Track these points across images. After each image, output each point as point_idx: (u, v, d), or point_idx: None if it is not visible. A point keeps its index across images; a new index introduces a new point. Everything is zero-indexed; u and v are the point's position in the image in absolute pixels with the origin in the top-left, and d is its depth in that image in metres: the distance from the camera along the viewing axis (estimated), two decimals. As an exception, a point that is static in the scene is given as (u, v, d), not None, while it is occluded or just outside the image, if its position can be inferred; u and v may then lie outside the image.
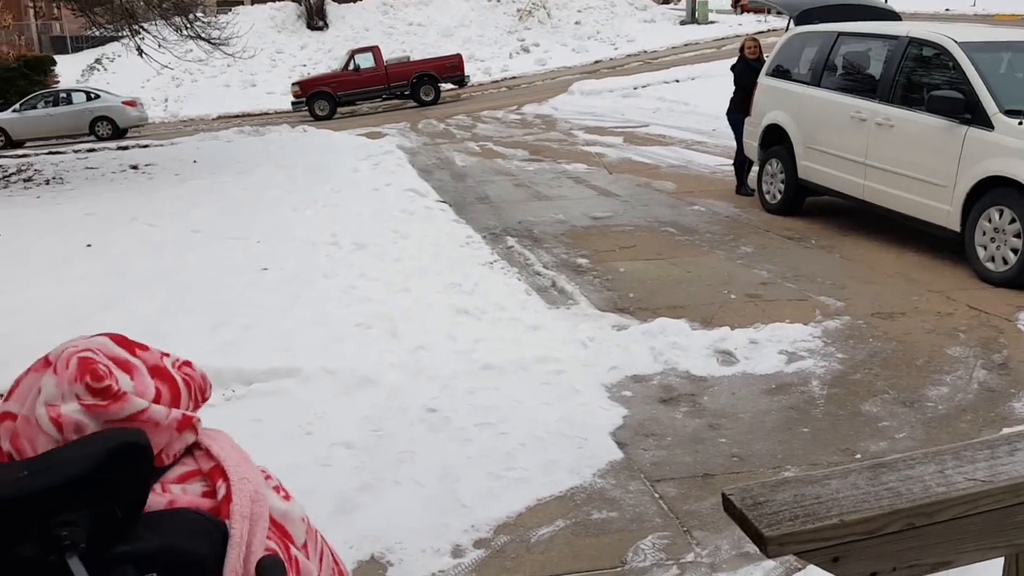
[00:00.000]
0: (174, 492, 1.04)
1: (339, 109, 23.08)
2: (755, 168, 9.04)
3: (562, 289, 6.17)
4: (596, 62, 29.21)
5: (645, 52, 29.35)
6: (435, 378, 4.49)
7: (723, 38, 29.25)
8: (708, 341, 4.90)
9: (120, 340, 1.10)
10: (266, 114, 26.39)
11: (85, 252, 7.53)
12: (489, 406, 4.15)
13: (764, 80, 8.75)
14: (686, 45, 29.48)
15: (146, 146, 17.34)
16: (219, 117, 26.81)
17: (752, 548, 2.92)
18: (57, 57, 31.04)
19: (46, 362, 1.03)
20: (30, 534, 0.88)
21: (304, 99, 22.86)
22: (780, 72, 8.59)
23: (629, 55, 29.54)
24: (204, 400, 1.19)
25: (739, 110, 9.27)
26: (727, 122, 9.73)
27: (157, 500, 1.01)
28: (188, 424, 1.09)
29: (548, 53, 31.12)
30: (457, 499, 3.36)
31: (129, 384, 1.03)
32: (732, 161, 9.69)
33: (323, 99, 22.81)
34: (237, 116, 26.57)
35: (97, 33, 21.81)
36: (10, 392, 1.04)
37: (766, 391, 4.33)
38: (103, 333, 1.10)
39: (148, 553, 0.95)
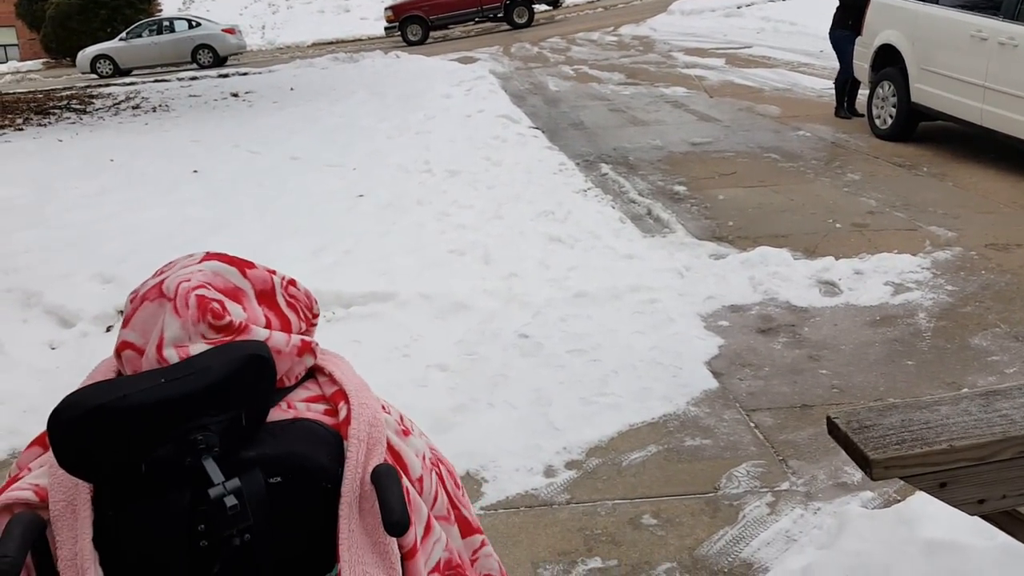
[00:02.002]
0: (299, 409, 1.07)
1: (432, 33, 22.93)
2: (861, 91, 8.60)
3: (658, 217, 6.07)
4: (697, -20, 27.99)
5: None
6: (527, 305, 4.52)
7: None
8: (810, 271, 4.76)
9: (228, 260, 1.11)
10: (359, 40, 26.50)
11: (192, 177, 7.82)
12: (582, 333, 4.16)
13: (878, -4, 8.24)
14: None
15: (245, 74, 17.71)
16: (314, 44, 27.07)
17: (850, 478, 2.90)
18: (159, -15, 31.76)
19: (159, 291, 1.04)
20: (167, 438, 0.93)
21: (397, 24, 22.79)
22: (896, -13, 8.06)
23: (732, -28, 28.19)
24: (314, 317, 1.20)
25: (842, 26, 8.80)
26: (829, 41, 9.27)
27: (282, 416, 1.05)
28: (307, 348, 1.12)
29: (646, -28, 29.97)
30: (549, 422, 3.41)
31: (242, 315, 1.06)
32: (834, 81, 9.26)
33: (416, 23, 22.66)
34: (331, 43, 26.77)
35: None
36: (127, 319, 1.06)
37: (870, 322, 4.20)
38: (210, 254, 1.12)
39: (273, 458, 0.99)
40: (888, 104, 7.94)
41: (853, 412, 1.48)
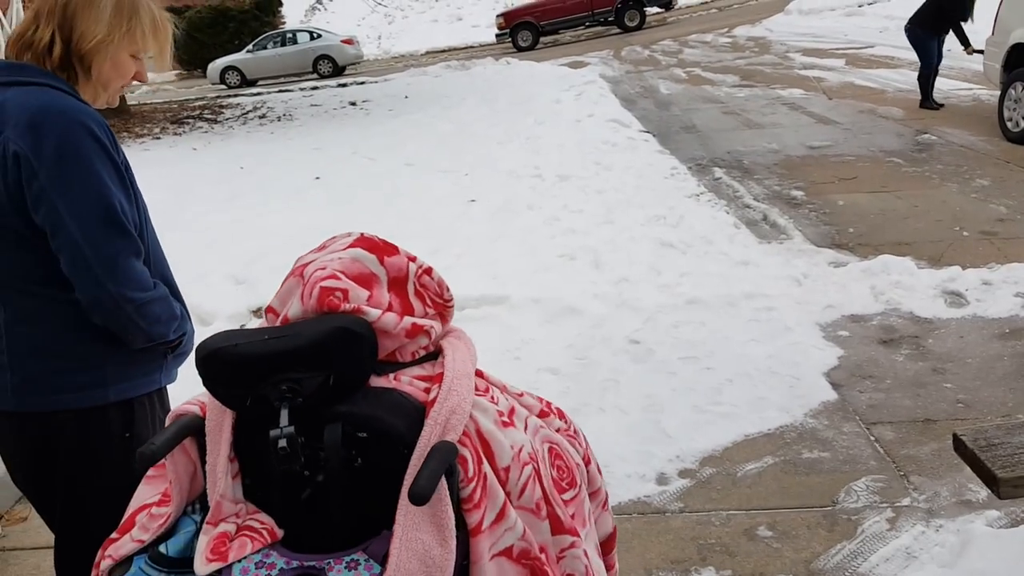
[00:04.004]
0: (402, 382, 1.21)
1: (542, 39, 23.09)
2: (990, 92, 8.18)
3: (774, 223, 5.96)
4: (815, -22, 27.12)
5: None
6: (638, 310, 4.52)
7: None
8: (935, 281, 4.58)
9: (371, 246, 1.27)
10: (471, 47, 26.94)
11: (315, 183, 8.18)
12: (694, 340, 4.14)
13: (1012, -9, 7.82)
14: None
15: (362, 83, 18.30)
16: (427, 52, 27.69)
17: (974, 496, 2.80)
18: (282, -2, 33.09)
19: (301, 272, 1.23)
20: (266, 383, 1.14)
21: (508, 30, 23.04)
22: (1033, -19, 7.63)
23: (852, -32, 27.18)
24: (445, 303, 1.33)
25: (923, 26, 9.14)
26: (906, 35, 9.49)
27: (382, 384, 1.20)
28: (419, 331, 1.24)
29: (761, -30, 29.27)
30: (661, 429, 3.41)
31: (361, 299, 1.19)
32: (918, 76, 9.51)
33: (526, 29, 22.86)
34: (444, 51, 27.33)
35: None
36: (281, 285, 1.27)
37: (999, 335, 4.01)
38: (363, 236, 1.28)
39: (360, 417, 1.14)
40: (1021, 106, 7.52)
41: (980, 430, 1.45)
